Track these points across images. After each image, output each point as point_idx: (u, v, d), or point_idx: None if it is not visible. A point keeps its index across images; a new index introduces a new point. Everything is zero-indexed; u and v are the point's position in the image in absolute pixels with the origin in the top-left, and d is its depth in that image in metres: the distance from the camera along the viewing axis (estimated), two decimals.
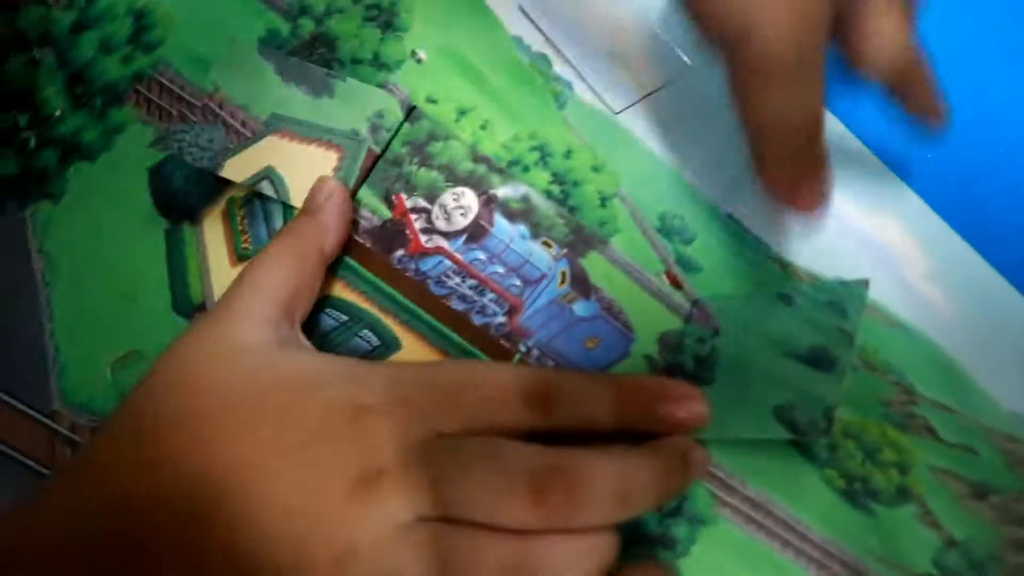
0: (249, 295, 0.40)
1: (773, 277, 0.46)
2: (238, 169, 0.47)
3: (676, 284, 0.46)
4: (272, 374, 0.37)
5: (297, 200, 0.47)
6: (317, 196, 0.45)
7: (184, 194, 0.48)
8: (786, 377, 0.40)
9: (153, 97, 0.50)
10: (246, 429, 0.36)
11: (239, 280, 0.41)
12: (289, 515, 0.34)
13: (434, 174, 0.49)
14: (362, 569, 0.34)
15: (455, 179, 0.48)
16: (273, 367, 0.37)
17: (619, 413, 0.37)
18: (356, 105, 0.49)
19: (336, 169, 0.48)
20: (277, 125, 0.49)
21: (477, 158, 0.49)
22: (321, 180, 0.46)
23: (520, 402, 0.37)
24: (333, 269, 0.47)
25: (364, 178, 0.48)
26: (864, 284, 0.40)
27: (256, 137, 0.48)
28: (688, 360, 0.44)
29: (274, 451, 0.35)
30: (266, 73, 0.50)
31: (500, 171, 0.49)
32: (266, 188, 0.47)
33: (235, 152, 0.48)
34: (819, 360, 0.40)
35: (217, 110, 0.49)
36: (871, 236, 0.47)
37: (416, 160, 0.49)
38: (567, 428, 0.37)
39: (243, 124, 0.49)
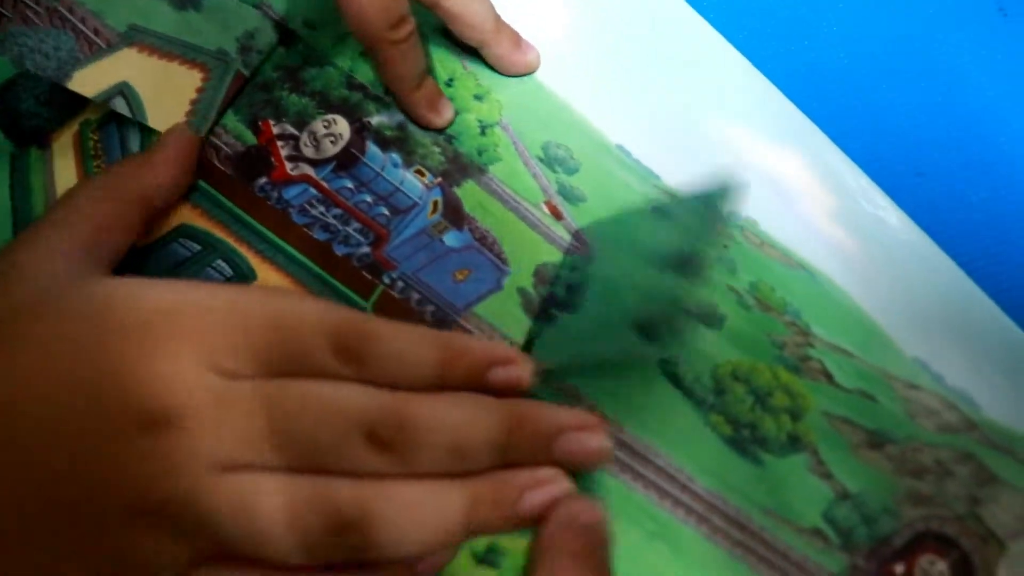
0: (47, 226, 0.36)
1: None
2: (88, 82, 0.43)
3: (556, 215, 0.42)
4: (46, 306, 0.33)
5: (155, 121, 0.43)
6: (159, 139, 0.41)
7: (33, 115, 0.44)
8: (651, 289, 0.36)
9: (5, 11, 0.46)
10: (13, 366, 0.31)
11: (45, 211, 0.37)
12: (76, 461, 0.30)
13: (305, 100, 0.45)
14: (159, 520, 0.29)
15: (328, 106, 0.45)
16: (55, 299, 0.33)
17: (442, 375, 0.33)
18: (225, 23, 0.46)
19: (200, 90, 0.44)
20: (136, 37, 0.45)
21: (353, 85, 0.45)
22: (172, 127, 0.41)
23: (327, 350, 0.32)
24: (188, 197, 0.42)
25: (229, 102, 0.44)
26: (734, 182, 0.36)
27: (111, 48, 0.44)
28: (560, 290, 0.40)
29: (45, 390, 0.31)
30: None
31: (376, 98, 0.45)
32: (119, 105, 0.43)
33: (86, 63, 0.44)
34: (685, 266, 0.36)
35: (67, 14, 0.45)
36: (771, 171, 0.44)
37: (288, 85, 0.45)
38: (382, 382, 0.33)
39: (96, 32, 0.45)
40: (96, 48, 0.44)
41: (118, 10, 0.45)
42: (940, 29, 0.47)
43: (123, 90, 0.44)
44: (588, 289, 0.39)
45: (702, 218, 0.36)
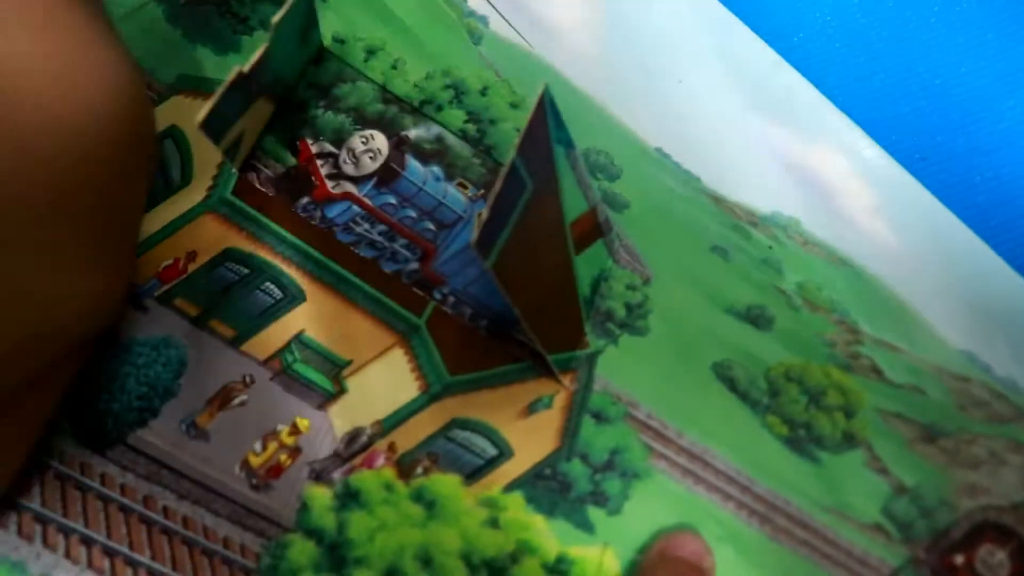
0: None
1: (705, 213, 0.43)
2: None
3: (606, 225, 0.42)
4: None
5: (198, 151, 0.43)
6: None
7: None
8: (726, 338, 0.41)
9: None
10: None
11: None
12: None
13: (341, 117, 0.45)
14: None
15: (364, 122, 0.45)
16: None
17: None
18: None
19: None
20: (183, 85, 0.45)
21: (387, 99, 0.45)
22: None
23: None
24: (234, 219, 0.42)
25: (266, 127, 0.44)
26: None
27: (161, 98, 0.45)
28: (618, 307, 0.41)
29: None
30: (173, 37, 0.46)
31: (412, 111, 0.45)
32: (169, 147, 0.44)
33: None
34: (758, 320, 0.40)
35: None
36: (809, 168, 0.44)
37: (322, 103, 0.45)
38: None
39: (150, 87, 0.46)
40: (150, 100, 0.44)
41: (168, 65, 0.46)
42: (930, 11, 0.47)
43: (171, 133, 0.45)
44: (651, 315, 0.40)
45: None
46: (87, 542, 0.38)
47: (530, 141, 0.36)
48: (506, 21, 0.47)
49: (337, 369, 0.41)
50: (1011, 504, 0.39)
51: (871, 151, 0.44)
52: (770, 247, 0.42)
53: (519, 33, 0.47)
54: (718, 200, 0.43)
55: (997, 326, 0.42)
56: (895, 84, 0.46)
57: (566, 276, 0.41)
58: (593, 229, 0.42)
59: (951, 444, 0.40)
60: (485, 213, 0.32)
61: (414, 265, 0.43)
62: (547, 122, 0.38)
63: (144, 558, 0.38)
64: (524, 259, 0.38)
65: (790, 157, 0.44)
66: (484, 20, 0.48)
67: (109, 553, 0.38)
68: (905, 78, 0.46)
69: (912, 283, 0.42)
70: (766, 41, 0.47)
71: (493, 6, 0.48)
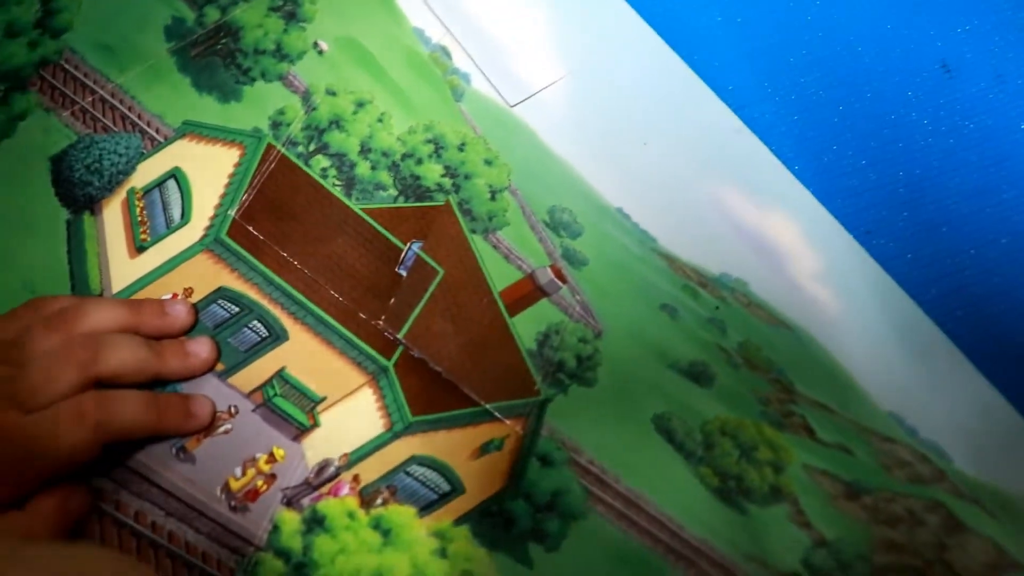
0: None
1: (658, 273, 0.46)
2: (149, 170, 0.50)
3: (561, 278, 0.46)
4: None
5: (198, 192, 0.47)
6: None
7: (85, 183, 0.49)
8: (668, 392, 0.44)
9: (57, 84, 0.50)
10: None
11: None
12: None
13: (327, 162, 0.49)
14: None
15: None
16: None
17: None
18: (260, 106, 0.50)
19: (236, 164, 0.48)
20: (187, 130, 0.50)
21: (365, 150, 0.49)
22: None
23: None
24: (227, 259, 0.47)
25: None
26: None
27: (167, 141, 0.50)
28: (570, 358, 0.44)
29: None
30: (183, 85, 0.51)
31: (391, 167, 0.49)
32: (171, 186, 0.48)
33: (148, 156, 0.50)
34: (700, 378, 0.44)
35: (136, 120, 0.51)
36: (761, 232, 0.47)
37: (312, 148, 0.49)
38: None
39: (157, 131, 0.51)
40: (156, 143, 0.50)
41: (175, 110, 0.51)
42: (888, 86, 0.50)
43: (175, 173, 0.49)
44: (600, 367, 0.43)
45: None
46: None
47: (438, 237, 0.42)
48: (487, 79, 0.51)
49: (312, 404, 0.45)
50: (925, 561, 0.42)
51: (822, 219, 0.47)
52: (717, 307, 0.46)
53: (498, 91, 0.50)
54: (671, 260, 0.47)
55: (928, 392, 0.44)
56: (847, 159, 0.48)
57: (502, 334, 0.45)
58: (531, 293, 0.46)
59: (872, 502, 0.43)
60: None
61: None
62: (458, 221, 0.42)
63: None
64: (445, 326, 0.44)
65: (743, 221, 0.47)
66: (467, 78, 0.51)
67: None
68: (856, 154, 0.48)
69: (848, 347, 0.45)
70: (731, 108, 0.49)
71: (476, 64, 0.51)
